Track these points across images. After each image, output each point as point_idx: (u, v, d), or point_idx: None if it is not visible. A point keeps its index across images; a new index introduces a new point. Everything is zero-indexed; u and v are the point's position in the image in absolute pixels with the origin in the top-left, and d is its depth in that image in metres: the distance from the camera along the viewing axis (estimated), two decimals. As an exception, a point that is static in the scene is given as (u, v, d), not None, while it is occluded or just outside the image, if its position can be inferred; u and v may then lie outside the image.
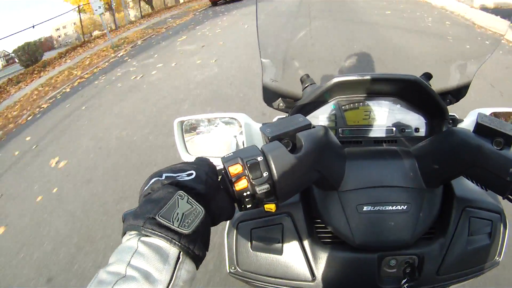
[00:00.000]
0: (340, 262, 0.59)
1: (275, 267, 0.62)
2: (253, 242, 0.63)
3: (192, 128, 0.83)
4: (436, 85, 0.80)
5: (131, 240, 0.36)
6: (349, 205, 0.55)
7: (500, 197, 0.50)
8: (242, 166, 0.42)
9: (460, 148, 0.50)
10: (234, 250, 0.65)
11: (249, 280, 0.65)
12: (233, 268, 0.65)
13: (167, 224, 0.36)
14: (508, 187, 0.46)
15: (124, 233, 0.38)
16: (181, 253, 0.36)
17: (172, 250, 0.36)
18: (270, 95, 0.82)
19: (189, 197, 0.39)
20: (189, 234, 0.36)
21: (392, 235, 0.54)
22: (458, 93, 0.83)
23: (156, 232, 0.36)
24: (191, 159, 0.82)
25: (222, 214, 0.45)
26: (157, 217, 0.36)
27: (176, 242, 0.36)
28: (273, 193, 0.43)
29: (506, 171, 0.46)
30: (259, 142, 0.77)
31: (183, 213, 0.37)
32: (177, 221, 0.36)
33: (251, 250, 0.63)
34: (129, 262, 0.34)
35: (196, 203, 0.39)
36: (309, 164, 0.46)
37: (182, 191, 0.39)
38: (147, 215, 0.36)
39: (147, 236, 0.36)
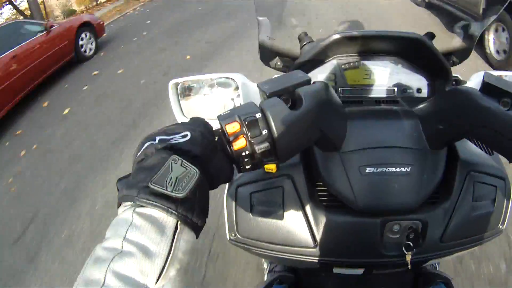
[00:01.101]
0: (342, 227, 0.58)
1: (276, 233, 0.60)
2: (253, 207, 0.61)
3: (187, 89, 0.80)
4: (439, 45, 0.77)
5: (126, 211, 0.35)
6: (352, 167, 0.53)
7: (504, 164, 0.49)
8: (239, 124, 0.40)
9: (466, 107, 0.48)
10: (234, 216, 0.63)
11: (250, 247, 0.64)
12: (233, 235, 0.63)
13: (160, 190, 0.34)
14: None
15: (119, 204, 0.37)
16: (179, 222, 0.35)
17: (169, 220, 0.34)
18: (267, 54, 0.78)
19: (183, 160, 0.37)
20: (184, 198, 0.35)
21: (395, 198, 0.53)
22: (462, 54, 0.80)
23: (151, 202, 0.34)
24: (186, 120, 0.80)
25: (221, 176, 0.43)
26: (150, 184, 0.34)
27: (173, 211, 0.34)
28: (273, 152, 0.41)
29: None
30: (256, 100, 0.74)
31: (176, 177, 0.35)
32: (171, 185, 0.34)
33: (252, 216, 0.61)
34: (125, 236, 0.32)
35: (190, 165, 0.37)
36: (310, 121, 0.44)
37: (176, 155, 0.37)
38: (140, 184, 0.35)
39: (142, 206, 0.34)
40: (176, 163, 0.36)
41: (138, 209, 0.34)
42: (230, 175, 0.44)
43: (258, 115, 0.40)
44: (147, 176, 0.35)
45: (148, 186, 0.34)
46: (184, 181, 0.35)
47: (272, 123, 0.40)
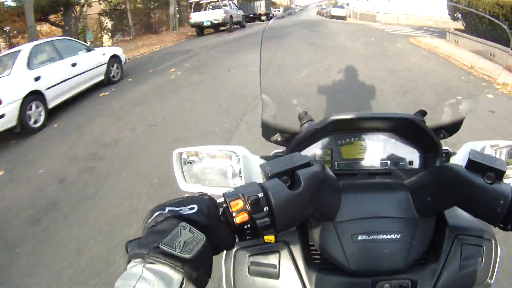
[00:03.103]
0: (335, 286, 0.59)
1: None
2: (250, 267, 0.64)
3: (191, 159, 0.84)
4: (431, 120, 0.83)
5: (136, 266, 0.38)
6: (345, 235, 0.57)
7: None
8: (243, 201, 0.44)
9: (453, 183, 0.52)
10: (231, 274, 0.65)
11: None
12: None
13: (170, 250, 0.37)
14: (499, 218, 0.48)
15: (129, 261, 0.40)
16: (184, 279, 0.38)
17: (176, 276, 0.37)
18: (268, 130, 0.84)
19: (191, 227, 0.41)
20: (191, 259, 0.38)
21: (386, 261, 0.56)
22: (452, 128, 0.85)
23: (161, 260, 0.37)
24: (190, 188, 0.83)
25: (224, 244, 0.46)
26: (160, 245, 0.38)
27: (180, 269, 0.37)
28: (273, 226, 0.45)
29: (497, 203, 0.48)
30: (256, 173, 0.78)
31: (185, 241, 0.39)
32: (179, 247, 0.38)
33: (248, 275, 0.64)
34: (135, 286, 0.35)
35: (198, 231, 0.41)
36: (307, 200, 0.48)
37: (185, 222, 0.41)
38: (151, 245, 0.38)
39: (151, 263, 0.38)
40: (185, 229, 0.40)
41: (148, 265, 0.37)
42: (233, 243, 0.48)
43: (260, 195, 0.45)
44: (158, 238, 0.39)
45: (158, 247, 0.38)
46: (191, 244, 0.39)
47: (273, 202, 0.45)
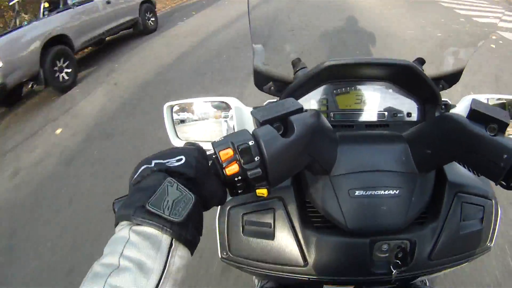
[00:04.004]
0: (332, 247, 0.59)
1: (267, 252, 0.62)
2: (245, 227, 0.63)
3: (182, 112, 0.81)
4: (429, 70, 0.79)
5: (123, 230, 0.36)
6: (341, 190, 0.55)
7: (492, 184, 0.50)
8: (233, 150, 0.41)
9: (453, 133, 0.50)
10: (225, 235, 0.64)
11: (241, 265, 0.65)
12: (225, 253, 0.65)
13: (158, 212, 0.35)
14: (501, 173, 0.46)
15: (116, 224, 0.38)
16: (173, 239, 0.36)
17: (164, 238, 0.36)
18: (261, 79, 0.80)
19: (178, 183, 0.38)
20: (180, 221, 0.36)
21: (384, 219, 0.55)
22: (451, 78, 0.82)
23: (147, 221, 0.35)
24: (181, 144, 0.80)
25: (214, 198, 0.44)
26: (147, 206, 0.35)
27: (168, 229, 0.35)
28: (265, 177, 0.43)
29: (500, 157, 0.45)
30: (250, 125, 0.75)
31: (173, 200, 0.37)
32: (168, 209, 0.36)
33: (243, 236, 0.63)
34: (122, 252, 0.34)
35: (186, 189, 0.38)
36: (301, 148, 0.46)
37: (171, 178, 0.38)
38: (136, 204, 0.36)
39: (138, 225, 0.36)
40: (172, 186, 0.37)
41: (135, 227, 0.36)
42: (223, 198, 0.45)
43: (251, 143, 0.41)
44: (143, 196, 0.36)
45: (144, 206, 0.35)
46: (180, 205, 0.37)
47: (264, 150, 0.41)
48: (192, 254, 0.39)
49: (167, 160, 0.41)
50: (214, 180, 0.43)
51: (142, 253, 0.34)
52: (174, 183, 0.38)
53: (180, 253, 0.37)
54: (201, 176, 0.42)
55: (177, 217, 0.36)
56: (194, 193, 0.39)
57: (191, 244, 0.38)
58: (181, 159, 0.42)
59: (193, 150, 0.44)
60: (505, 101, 0.78)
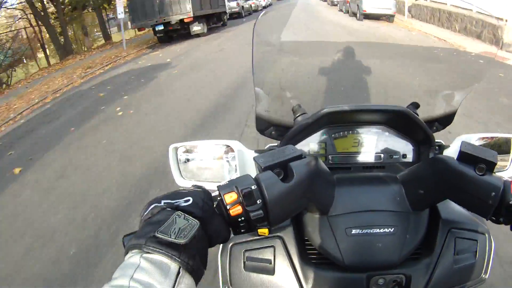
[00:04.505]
0: (330, 282, 0.60)
1: (267, 287, 0.63)
2: (246, 263, 0.64)
3: (186, 153, 0.84)
4: (424, 113, 0.83)
5: (133, 257, 0.38)
6: (338, 229, 0.57)
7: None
8: (237, 194, 0.44)
9: (444, 174, 0.53)
10: (227, 270, 0.66)
11: None
12: (226, 287, 0.66)
13: (165, 237, 0.38)
14: (490, 210, 0.49)
15: (126, 253, 0.41)
16: (181, 268, 0.39)
17: (173, 265, 0.38)
18: (262, 124, 0.84)
19: (185, 214, 0.42)
20: (186, 246, 0.39)
21: (380, 256, 0.56)
22: (445, 120, 0.86)
23: (157, 249, 0.38)
24: (186, 183, 0.83)
25: (219, 236, 0.47)
26: (156, 233, 0.38)
27: (176, 258, 0.38)
28: (266, 218, 0.45)
29: (488, 196, 0.48)
30: (251, 167, 0.78)
31: (179, 228, 0.40)
32: (174, 234, 0.39)
33: (244, 270, 0.64)
34: (132, 276, 0.36)
35: (192, 218, 0.42)
36: (300, 192, 0.49)
37: (180, 211, 0.42)
38: (148, 235, 0.39)
39: (148, 253, 0.38)
40: (179, 217, 0.41)
41: (145, 255, 0.38)
42: (227, 236, 0.48)
43: (254, 187, 0.45)
44: (154, 229, 0.39)
45: (155, 236, 0.38)
46: (186, 230, 0.40)
47: (266, 194, 0.45)
48: (196, 284, 0.41)
49: (175, 201, 0.45)
50: (219, 220, 0.46)
51: (152, 278, 0.36)
52: (182, 215, 0.41)
53: (186, 281, 0.39)
54: (207, 216, 0.45)
55: (183, 239, 0.38)
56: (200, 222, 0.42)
57: (196, 274, 0.40)
58: (188, 200, 0.45)
59: (200, 192, 0.48)
60: (498, 139, 0.81)
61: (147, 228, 0.41)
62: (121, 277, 0.36)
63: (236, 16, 17.37)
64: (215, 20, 12.56)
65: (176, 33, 11.11)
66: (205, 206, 0.46)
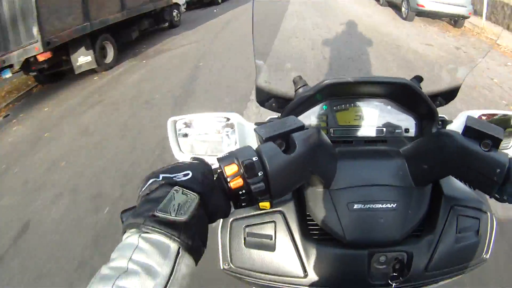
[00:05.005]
0: (331, 258, 0.60)
1: (267, 263, 0.63)
2: (246, 239, 0.64)
3: (185, 127, 0.83)
4: (427, 87, 0.82)
5: (131, 237, 0.37)
6: (340, 203, 0.57)
7: (487, 196, 0.52)
8: (237, 166, 0.43)
9: (449, 149, 0.51)
10: (227, 247, 0.65)
11: (242, 276, 0.65)
12: (226, 264, 0.66)
13: (165, 216, 0.37)
14: (495, 187, 0.48)
15: (124, 232, 0.40)
16: (180, 248, 0.38)
17: (172, 245, 0.37)
18: (263, 96, 0.82)
19: (183, 189, 0.40)
20: (186, 224, 0.38)
21: (381, 232, 0.56)
22: (448, 95, 0.84)
23: (156, 229, 0.37)
24: (184, 157, 0.82)
25: (219, 211, 0.46)
26: (156, 212, 0.37)
27: (176, 238, 0.37)
28: (268, 191, 0.44)
29: (493, 172, 0.47)
30: (252, 140, 0.77)
31: (179, 204, 0.39)
32: (174, 211, 0.38)
33: (244, 247, 0.64)
34: (131, 257, 0.35)
35: (191, 192, 0.40)
36: (302, 164, 0.47)
37: (178, 186, 0.40)
38: (146, 213, 0.38)
39: (147, 233, 0.37)
40: (178, 193, 0.40)
41: (144, 235, 0.37)
42: (228, 210, 0.47)
43: (255, 159, 0.44)
44: (152, 207, 0.38)
45: (154, 215, 0.37)
46: (186, 206, 0.39)
47: (267, 166, 0.44)
48: (196, 264, 0.40)
49: (174, 175, 0.43)
50: (219, 193, 0.45)
51: (150, 259, 0.35)
52: (180, 189, 0.40)
53: (186, 261, 0.38)
54: (207, 190, 0.43)
55: (183, 215, 0.37)
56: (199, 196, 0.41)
57: (196, 254, 0.40)
58: (188, 174, 0.44)
59: (199, 165, 0.46)
60: (502, 116, 0.80)
61: (145, 205, 0.39)
62: (119, 258, 0.35)
63: (207, 2, 10.52)
64: (146, 25, 7.07)
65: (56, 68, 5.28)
66: (205, 180, 0.44)
